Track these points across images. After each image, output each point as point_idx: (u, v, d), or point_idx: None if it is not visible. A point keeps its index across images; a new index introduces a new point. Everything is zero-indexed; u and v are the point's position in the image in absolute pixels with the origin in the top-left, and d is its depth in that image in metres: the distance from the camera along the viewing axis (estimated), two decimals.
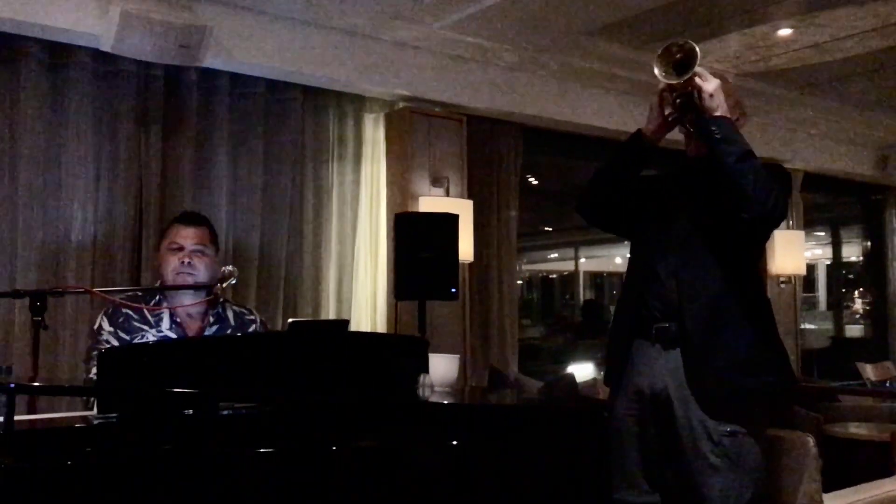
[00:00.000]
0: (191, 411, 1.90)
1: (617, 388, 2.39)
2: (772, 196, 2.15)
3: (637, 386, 2.31)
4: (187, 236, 2.68)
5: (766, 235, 2.42)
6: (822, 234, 9.71)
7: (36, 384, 2.11)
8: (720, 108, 2.20)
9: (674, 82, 2.21)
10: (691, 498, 2.22)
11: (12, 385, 1.64)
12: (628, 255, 2.58)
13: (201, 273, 2.65)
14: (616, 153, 2.46)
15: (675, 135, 2.46)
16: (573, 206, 2.58)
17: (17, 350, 3.32)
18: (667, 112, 2.32)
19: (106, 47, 3.47)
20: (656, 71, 2.21)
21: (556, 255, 14.50)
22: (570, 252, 13.84)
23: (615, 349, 2.44)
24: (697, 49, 2.17)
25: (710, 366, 2.21)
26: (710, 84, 2.20)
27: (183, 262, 2.64)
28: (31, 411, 2.30)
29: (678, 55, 2.19)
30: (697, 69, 2.19)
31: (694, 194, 2.36)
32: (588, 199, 2.51)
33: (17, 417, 1.60)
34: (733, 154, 2.15)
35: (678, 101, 2.25)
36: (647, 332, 2.31)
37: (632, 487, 2.30)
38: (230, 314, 2.75)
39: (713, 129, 2.19)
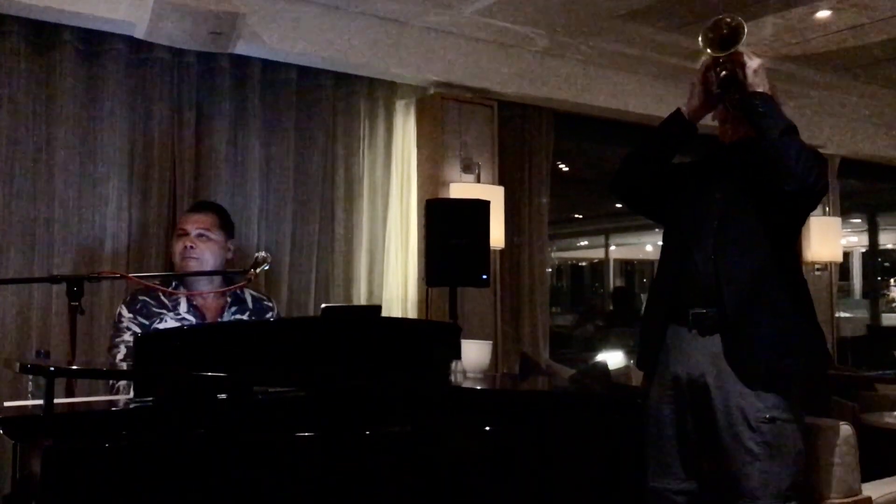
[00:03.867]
0: (225, 395, 1.92)
1: (652, 375, 2.37)
2: (814, 171, 2.16)
3: (674, 372, 2.29)
4: (192, 221, 2.77)
5: (806, 214, 2.41)
6: (858, 220, 9.55)
7: (74, 367, 2.14)
8: (763, 85, 2.23)
9: (719, 55, 2.24)
10: (730, 486, 2.19)
11: (52, 368, 1.66)
12: (660, 242, 2.56)
13: (205, 256, 2.72)
14: (655, 132, 2.44)
15: (706, 122, 2.44)
16: (604, 193, 2.57)
17: (55, 334, 3.37)
18: (714, 90, 2.31)
19: (140, 34, 3.50)
20: (701, 43, 2.25)
21: (585, 242, 14.42)
22: (601, 240, 13.76)
23: (649, 334, 2.41)
24: (745, 27, 2.20)
25: (748, 348, 2.19)
26: (754, 61, 2.24)
27: (186, 247, 2.70)
28: (69, 394, 2.33)
29: (725, 30, 2.23)
30: (741, 48, 2.22)
31: (729, 178, 2.34)
32: (624, 177, 2.49)
33: (55, 400, 1.62)
34: (777, 128, 2.17)
35: (723, 74, 2.26)
36: (684, 317, 2.29)
37: (668, 475, 2.28)
38: (248, 297, 2.79)
39: (757, 103, 2.21)
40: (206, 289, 2.72)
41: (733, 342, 2.20)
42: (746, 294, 2.21)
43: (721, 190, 2.34)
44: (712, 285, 2.24)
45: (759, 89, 2.22)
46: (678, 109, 2.38)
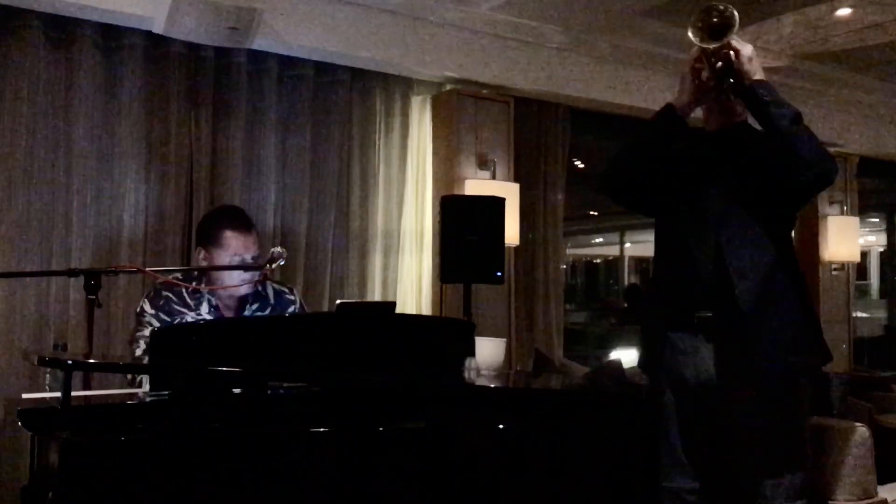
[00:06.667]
0: (240, 390, 1.92)
1: (656, 377, 2.35)
2: (828, 157, 2.14)
3: (681, 374, 2.26)
4: (248, 247, 2.68)
5: (809, 200, 2.37)
6: (876, 220, 9.47)
7: (91, 361, 2.15)
8: (759, 71, 2.16)
9: (711, 46, 2.15)
10: (742, 488, 2.18)
11: (69, 361, 1.67)
12: (656, 236, 2.52)
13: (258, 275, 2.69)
14: (645, 128, 2.40)
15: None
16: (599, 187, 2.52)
17: (72, 327, 3.40)
18: (704, 77, 2.24)
19: (158, 29, 3.51)
20: (691, 34, 2.16)
21: (600, 239, 14.38)
22: (615, 237, 13.71)
23: (652, 337, 2.39)
24: (737, 14, 2.12)
25: (759, 346, 2.16)
26: (746, 48, 2.16)
27: (263, 270, 2.66)
28: (86, 387, 2.35)
29: (715, 19, 2.14)
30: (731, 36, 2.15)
31: (722, 171, 2.30)
32: (615, 175, 2.44)
33: (73, 393, 1.64)
34: (786, 116, 2.12)
35: (719, 65, 2.17)
36: (688, 320, 2.26)
37: (680, 475, 2.27)
38: (270, 292, 2.77)
39: (760, 91, 2.14)
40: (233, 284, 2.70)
41: (743, 342, 2.18)
42: (759, 290, 2.18)
43: (715, 184, 2.29)
44: (716, 284, 2.20)
45: (757, 76, 2.16)
46: (669, 105, 2.32)
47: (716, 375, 2.21)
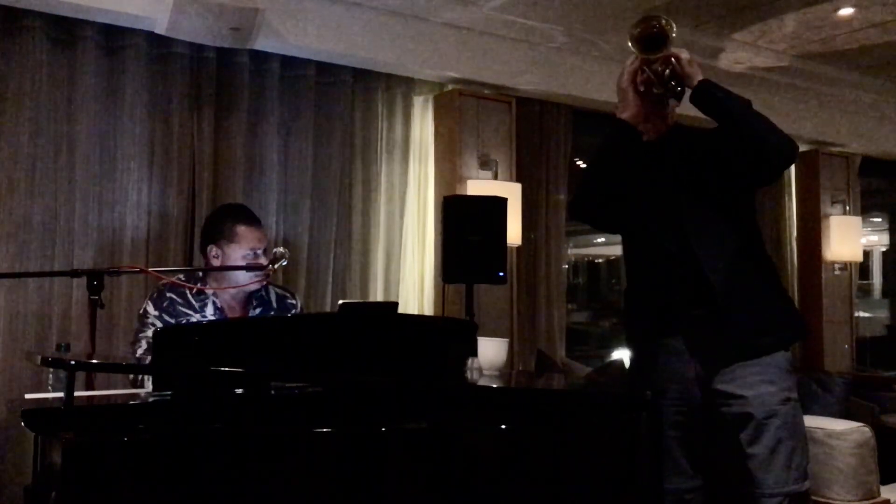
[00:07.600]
0: (242, 390, 1.93)
1: (650, 378, 2.36)
2: (786, 136, 2.19)
3: (679, 373, 2.28)
4: (261, 240, 2.74)
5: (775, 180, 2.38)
6: (879, 220, 9.45)
7: (94, 361, 2.16)
8: (699, 72, 2.23)
9: (653, 56, 2.24)
10: (751, 478, 2.18)
11: (72, 362, 1.67)
12: (625, 250, 2.56)
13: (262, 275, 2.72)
14: (604, 149, 2.43)
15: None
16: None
17: (75, 328, 3.40)
18: (641, 87, 2.30)
19: (160, 30, 3.52)
20: (631, 44, 2.26)
21: (602, 239, 14.34)
22: (617, 237, 13.66)
23: (641, 345, 2.41)
24: (674, 25, 2.21)
25: (740, 329, 2.20)
26: (684, 52, 2.24)
27: (266, 270, 2.67)
28: (88, 388, 2.35)
29: (655, 30, 2.23)
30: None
31: (671, 172, 2.35)
32: (587, 200, 2.48)
33: (75, 393, 1.64)
34: (739, 108, 2.20)
35: (667, 72, 2.24)
36: (680, 320, 2.28)
37: (678, 474, 2.28)
38: (273, 296, 2.78)
39: (711, 88, 2.22)
40: (236, 284, 2.70)
41: (725, 327, 2.21)
42: (729, 277, 2.22)
43: (669, 186, 2.34)
44: (694, 280, 2.24)
45: (700, 77, 2.22)
46: (622, 121, 2.35)
47: (714, 370, 2.23)
